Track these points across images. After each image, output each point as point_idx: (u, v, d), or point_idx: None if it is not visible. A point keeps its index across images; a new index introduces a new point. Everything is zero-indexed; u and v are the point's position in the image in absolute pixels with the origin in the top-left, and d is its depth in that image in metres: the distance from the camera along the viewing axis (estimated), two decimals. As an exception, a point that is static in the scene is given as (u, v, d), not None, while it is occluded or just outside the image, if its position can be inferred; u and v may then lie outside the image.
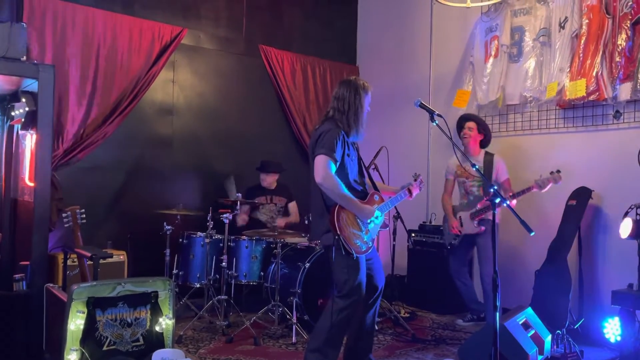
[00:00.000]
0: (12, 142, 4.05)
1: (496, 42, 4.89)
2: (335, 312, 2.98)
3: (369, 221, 3.07)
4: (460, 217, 4.42)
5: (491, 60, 4.94)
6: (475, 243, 4.42)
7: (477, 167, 2.88)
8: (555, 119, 4.54)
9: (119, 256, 4.27)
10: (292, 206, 5.27)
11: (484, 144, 4.49)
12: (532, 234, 2.61)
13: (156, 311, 2.85)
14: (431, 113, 3.01)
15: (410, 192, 3.34)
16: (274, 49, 5.82)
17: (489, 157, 4.39)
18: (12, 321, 3.18)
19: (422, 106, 3.05)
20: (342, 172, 3.04)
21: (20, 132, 3.87)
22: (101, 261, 4.03)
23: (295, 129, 5.96)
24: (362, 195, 3.14)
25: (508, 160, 4.48)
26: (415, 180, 3.43)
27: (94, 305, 2.67)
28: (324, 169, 2.91)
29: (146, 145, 5.04)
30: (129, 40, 4.84)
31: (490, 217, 4.24)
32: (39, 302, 3.08)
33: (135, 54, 4.87)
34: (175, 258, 4.49)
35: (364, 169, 3.27)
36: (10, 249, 3.91)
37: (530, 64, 4.62)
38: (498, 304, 2.61)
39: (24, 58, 3.45)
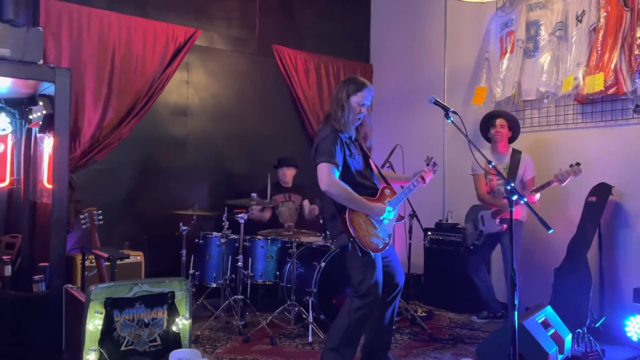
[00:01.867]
0: (30, 145, 4.10)
1: (512, 37, 4.83)
2: (352, 311, 2.96)
3: (381, 218, 3.05)
4: (482, 215, 4.37)
5: (507, 55, 4.88)
6: (498, 242, 4.37)
7: (493, 164, 2.84)
8: (573, 114, 4.47)
9: (136, 257, 4.30)
10: (307, 202, 5.27)
11: (511, 140, 4.42)
12: (551, 231, 2.57)
13: (173, 311, 2.87)
14: (446, 110, 2.98)
15: (423, 178, 3.22)
16: (287, 48, 5.82)
17: (517, 155, 4.31)
18: (32, 321, 3.22)
19: (436, 103, 3.01)
20: (346, 172, 3.03)
21: (38, 135, 3.91)
22: (118, 262, 4.09)
23: (310, 129, 5.95)
24: (372, 192, 3.11)
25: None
26: (428, 164, 3.29)
27: (112, 305, 2.69)
28: (327, 176, 2.92)
29: (161, 146, 5.07)
30: (143, 43, 4.87)
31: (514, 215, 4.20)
32: (58, 302, 3.12)
33: (149, 56, 4.90)
34: (192, 258, 4.51)
35: (371, 164, 3.24)
36: (29, 251, 3.96)
37: (547, 58, 4.56)
38: (516, 302, 2.58)
39: (41, 62, 3.50)
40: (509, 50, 4.86)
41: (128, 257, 3.06)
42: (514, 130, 4.40)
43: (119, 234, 4.69)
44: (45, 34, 4.32)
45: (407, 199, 3.28)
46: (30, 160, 4.03)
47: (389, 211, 3.06)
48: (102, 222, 3.53)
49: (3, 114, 4.14)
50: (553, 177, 3.94)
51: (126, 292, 2.75)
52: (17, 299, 3.19)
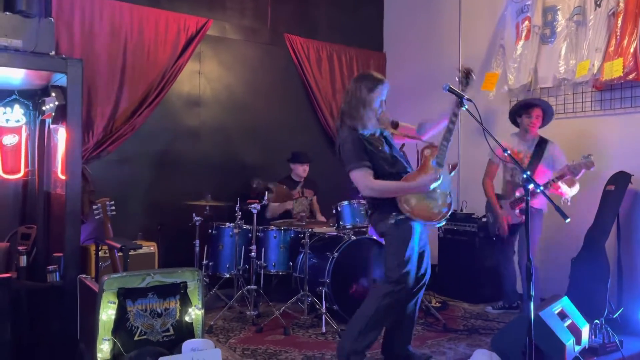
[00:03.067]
0: (44, 137, 4.12)
1: (527, 23, 4.73)
2: (382, 297, 2.95)
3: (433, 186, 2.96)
4: (501, 205, 4.30)
5: (522, 42, 4.79)
6: (517, 232, 4.29)
7: (508, 152, 2.79)
8: (592, 101, 4.38)
9: (150, 247, 4.32)
10: (315, 202, 5.25)
11: (540, 126, 4.26)
12: (568, 220, 2.52)
13: (185, 301, 2.86)
14: (460, 97, 2.93)
15: (462, 104, 2.95)
16: (299, 37, 5.77)
17: (543, 144, 4.14)
18: (47, 312, 3.25)
19: (451, 90, 2.96)
20: (376, 168, 2.99)
21: (52, 126, 3.93)
22: (132, 252, 4.09)
23: (322, 118, 5.91)
24: (406, 174, 3.04)
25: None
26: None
27: (124, 295, 2.69)
28: (362, 181, 2.94)
29: (174, 137, 5.07)
30: (155, 33, 4.86)
31: (532, 204, 4.10)
32: (73, 293, 3.13)
33: (161, 46, 4.89)
34: (205, 249, 4.52)
35: (393, 147, 3.15)
36: (44, 241, 3.99)
37: (564, 44, 4.46)
38: (532, 293, 2.54)
39: (53, 53, 3.50)
40: (524, 37, 4.76)
41: (140, 248, 3.07)
42: (546, 120, 4.26)
43: (133, 224, 4.71)
44: (57, 24, 4.32)
45: None
46: (44, 152, 4.05)
47: (436, 170, 2.96)
48: (114, 212, 3.54)
49: (17, 106, 4.17)
50: (565, 168, 3.84)
51: (139, 282, 2.76)
52: (33, 290, 3.21)
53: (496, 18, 5.15)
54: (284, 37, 5.69)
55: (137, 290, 2.74)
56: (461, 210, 5.17)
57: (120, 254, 3.43)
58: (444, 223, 3.14)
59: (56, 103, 3.55)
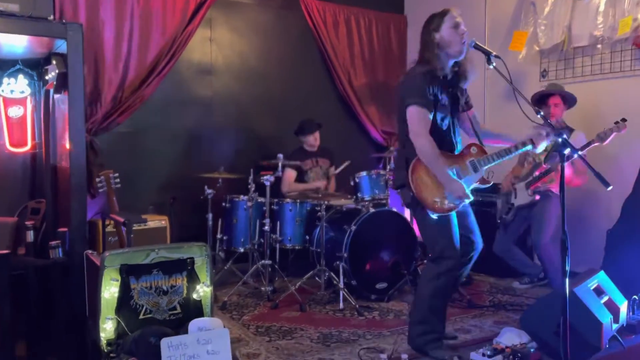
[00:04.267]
0: (49, 108, 3.97)
1: (561, -23, 4.36)
2: (433, 279, 2.74)
3: (454, 174, 2.72)
4: (515, 187, 4.06)
5: (555, -2, 4.42)
6: (527, 218, 4.06)
7: (541, 113, 2.52)
8: (631, 60, 4.03)
9: (161, 221, 4.16)
10: (332, 172, 5.02)
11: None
12: (610, 188, 2.28)
13: (193, 278, 2.71)
14: (488, 54, 2.66)
15: (533, 142, 2.72)
16: (315, 0, 5.47)
17: (567, 133, 3.86)
18: (51, 289, 3.13)
19: (477, 47, 2.70)
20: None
21: (56, 96, 3.76)
22: (143, 226, 4.00)
23: (340, 86, 5.64)
24: (451, 148, 2.80)
25: (576, 111, 4.01)
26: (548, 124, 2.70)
27: (127, 272, 2.55)
28: (417, 124, 2.66)
29: (185, 107, 4.88)
30: (163, -2, 4.64)
31: (549, 188, 3.89)
32: (80, 269, 3.00)
33: (170, 12, 4.66)
34: (219, 222, 4.36)
35: (464, 114, 2.87)
36: (53, 216, 3.87)
37: (602, -1, 4.09)
38: (567, 268, 2.31)
39: (52, 17, 3.31)
40: (558, -7, 4.40)
41: (145, 222, 2.92)
42: (570, 104, 4.00)
43: (144, 198, 4.56)
44: (60, -9, 4.16)
45: None
46: (49, 123, 3.90)
47: (466, 198, 2.70)
48: (119, 185, 3.38)
49: (21, 76, 4.01)
50: (595, 136, 3.57)
51: (142, 258, 2.60)
52: (39, 266, 3.10)
53: (526, -27, 4.78)
54: (298, 1, 5.39)
55: (141, 267, 2.59)
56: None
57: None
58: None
59: (57, 71, 3.38)
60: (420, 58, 2.78)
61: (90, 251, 3.02)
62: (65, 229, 3.18)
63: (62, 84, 3.42)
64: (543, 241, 3.93)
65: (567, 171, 3.61)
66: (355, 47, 5.70)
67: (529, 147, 2.71)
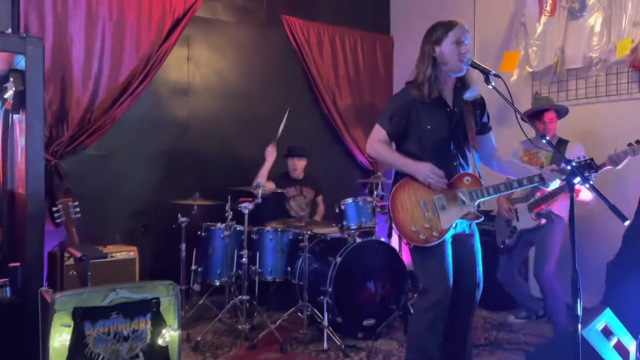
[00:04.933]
0: (8, 129, 3.66)
1: (553, -4, 4.21)
2: (420, 315, 2.48)
3: (439, 202, 2.45)
4: (516, 209, 3.79)
5: (547, 18, 4.27)
6: (532, 242, 3.80)
7: (546, 138, 2.29)
8: (628, 82, 3.87)
9: (129, 252, 3.83)
10: (320, 200, 4.76)
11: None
12: (627, 222, 2.04)
13: (158, 321, 2.41)
14: (486, 73, 2.42)
15: (543, 179, 2.43)
16: (299, 19, 5.27)
17: (562, 145, 3.66)
18: (3, 333, 2.79)
19: (474, 65, 2.47)
20: (407, 143, 2.55)
21: (15, 116, 3.46)
22: (109, 259, 3.67)
23: (324, 107, 5.42)
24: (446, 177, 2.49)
25: (568, 135, 3.81)
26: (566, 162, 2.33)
27: (82, 316, 2.25)
28: (370, 137, 2.60)
29: (160, 129, 4.59)
30: (138, 14, 4.38)
31: (551, 209, 3.63)
32: (33, 309, 2.66)
33: (144, 29, 4.41)
34: (194, 253, 4.05)
35: (467, 139, 2.57)
36: (10, 248, 3.53)
37: (597, 19, 3.95)
38: (579, 312, 2.05)
39: (9, 30, 3.03)
40: (549, 12, 4.25)
41: (105, 257, 2.61)
42: (562, 115, 3.79)
43: (113, 226, 4.24)
44: (26, 4, 3.88)
45: None
46: (7, 146, 3.58)
47: (438, 171, 2.44)
48: (79, 215, 3.07)
49: (-22, 95, 3.71)
50: (606, 159, 3.34)
51: (100, 299, 2.30)
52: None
53: (516, -7, 4.63)
54: (281, 19, 5.19)
55: (98, 310, 2.28)
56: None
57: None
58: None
59: (14, 89, 3.09)
60: (416, 70, 2.55)
61: (45, 288, 2.69)
62: (17, 264, 2.85)
63: (20, 103, 3.13)
64: (546, 272, 3.63)
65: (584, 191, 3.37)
66: (340, 67, 5.50)
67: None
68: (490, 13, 4.89)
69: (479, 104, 2.64)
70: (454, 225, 2.46)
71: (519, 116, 2.38)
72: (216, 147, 4.85)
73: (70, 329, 2.21)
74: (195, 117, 4.77)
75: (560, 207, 3.61)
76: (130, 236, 4.17)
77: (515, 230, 3.82)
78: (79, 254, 2.44)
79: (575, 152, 3.58)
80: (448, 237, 2.47)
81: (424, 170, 2.44)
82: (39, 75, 3.04)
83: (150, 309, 2.39)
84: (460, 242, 2.55)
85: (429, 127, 2.50)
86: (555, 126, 3.76)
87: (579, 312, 2.04)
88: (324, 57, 5.41)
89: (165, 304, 2.44)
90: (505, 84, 2.41)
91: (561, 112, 3.76)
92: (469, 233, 2.58)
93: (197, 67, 4.81)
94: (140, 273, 3.88)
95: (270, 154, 4.47)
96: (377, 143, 2.55)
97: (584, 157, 3.14)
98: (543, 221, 3.64)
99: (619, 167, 3.30)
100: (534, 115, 3.76)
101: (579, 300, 2.04)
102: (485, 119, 2.67)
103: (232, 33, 4.97)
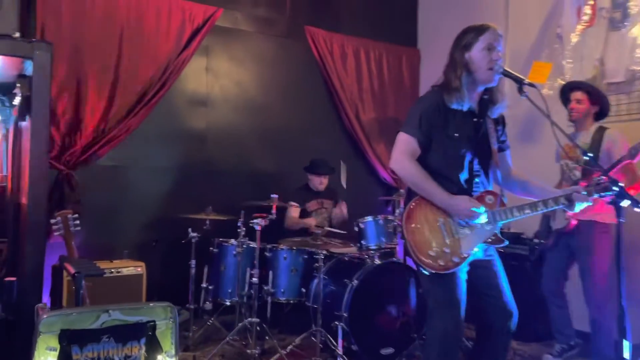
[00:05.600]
0: (19, 137, 3.56)
1: (592, 6, 3.95)
2: (430, 346, 2.28)
3: (462, 222, 2.22)
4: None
5: (585, 28, 4.00)
6: (572, 252, 3.44)
7: (589, 156, 2.04)
8: (676, 98, 3.56)
9: (137, 268, 3.67)
10: (341, 205, 4.55)
11: (599, 116, 3.40)
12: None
13: (154, 347, 2.22)
14: (519, 82, 2.20)
15: (570, 200, 2.19)
16: (322, 30, 5.11)
17: (600, 132, 3.30)
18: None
19: (506, 74, 2.24)
20: (430, 154, 2.29)
21: (22, 124, 3.36)
22: (115, 274, 3.51)
23: (347, 121, 5.22)
24: (460, 191, 2.27)
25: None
26: (588, 184, 2.21)
27: (70, 340, 2.07)
28: (397, 149, 2.30)
29: (176, 140, 4.46)
30: (157, 22, 4.29)
31: (593, 217, 3.27)
32: (29, 327, 2.50)
33: (163, 38, 4.30)
34: (205, 269, 3.87)
35: (492, 154, 2.34)
36: (13, 260, 3.40)
37: (640, 29, 3.66)
38: (626, 355, 1.78)
39: (17, 34, 2.92)
40: (588, 22, 3.98)
41: (102, 274, 2.44)
42: (600, 104, 3.38)
43: (122, 240, 4.08)
44: (42, 8, 3.82)
45: None
46: (16, 154, 3.48)
47: (477, 212, 2.18)
48: (79, 228, 2.91)
49: (-11, 102, 3.63)
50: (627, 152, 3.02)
51: (91, 321, 2.12)
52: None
53: (550, 3, 4.38)
54: (304, 30, 5.03)
55: (88, 333, 2.10)
56: (509, 229, 4.37)
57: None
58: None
59: (21, 95, 2.98)
60: (444, 77, 2.33)
61: (42, 305, 2.54)
62: (12, 279, 2.70)
63: (27, 109, 3.02)
64: (591, 297, 3.30)
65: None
66: (364, 80, 5.31)
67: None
68: (524, 23, 4.64)
69: (500, 120, 2.43)
70: (475, 249, 2.21)
71: (555, 129, 2.13)
72: (233, 161, 4.69)
73: (56, 353, 2.03)
74: (212, 129, 4.62)
75: (603, 210, 3.06)
76: (139, 251, 4.01)
77: (551, 230, 3.49)
78: (72, 270, 2.28)
79: (611, 139, 3.23)
80: (465, 263, 2.22)
81: (462, 207, 2.18)
82: (45, 81, 2.93)
83: (145, 332, 2.20)
84: (480, 268, 2.30)
85: (455, 135, 2.27)
86: (585, 110, 3.36)
87: (628, 356, 1.77)
88: (348, 69, 5.22)
89: (162, 327, 2.25)
90: (540, 94, 2.18)
91: (593, 95, 3.37)
92: (486, 258, 2.32)
93: (216, 78, 4.67)
94: (147, 290, 3.71)
95: (309, 222, 4.32)
96: (407, 159, 2.26)
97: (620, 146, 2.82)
98: (573, 222, 3.30)
99: (635, 161, 2.98)
100: (562, 95, 3.47)
101: (626, 341, 1.77)
102: (504, 137, 2.44)
103: (253, 43, 4.84)
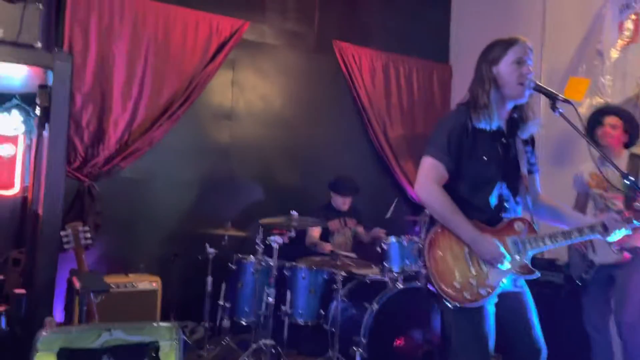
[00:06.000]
0: (41, 147, 3.57)
1: (634, 20, 3.73)
2: None
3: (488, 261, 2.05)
4: (592, 241, 3.25)
5: (627, 45, 3.78)
6: (614, 279, 3.22)
7: (627, 175, 1.85)
8: None
9: (152, 283, 3.59)
10: (361, 231, 4.41)
11: (627, 144, 3.26)
12: None
13: (156, 369, 2.11)
14: (553, 98, 2.03)
15: (606, 228, 2.04)
16: (350, 44, 5.01)
17: (635, 161, 3.15)
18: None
19: (538, 89, 2.07)
20: (457, 179, 2.11)
21: (44, 133, 3.35)
22: (129, 289, 3.45)
23: (374, 138, 5.08)
24: (489, 217, 2.10)
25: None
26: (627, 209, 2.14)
27: (68, 359, 1.97)
28: (424, 175, 2.11)
29: (199, 154, 4.40)
30: (183, 35, 4.27)
31: (635, 243, 3.06)
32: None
33: (189, 51, 4.28)
34: (223, 286, 3.77)
35: (516, 180, 2.17)
36: (30, 270, 3.38)
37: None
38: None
39: (39, 45, 2.93)
40: (631, 38, 3.76)
41: (107, 290, 2.36)
42: (632, 132, 3.24)
43: (140, 253, 4.03)
44: (71, 22, 3.84)
45: None
46: (38, 165, 3.49)
47: (501, 259, 2.01)
48: (90, 241, 2.85)
49: (15, 111, 3.67)
50: None
51: (91, 340, 2.04)
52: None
53: (589, 18, 4.17)
54: (332, 44, 4.94)
55: (87, 353, 2.02)
56: (542, 255, 4.13)
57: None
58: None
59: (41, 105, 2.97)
60: (469, 93, 2.17)
61: (49, 319, 2.48)
62: (22, 291, 2.66)
63: (46, 119, 3.01)
64: (626, 319, 3.09)
65: None
66: (392, 96, 5.18)
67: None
68: (561, 39, 4.44)
69: (530, 140, 2.25)
70: (504, 281, 2.03)
71: (591, 148, 1.95)
72: (255, 175, 4.61)
73: (53, 373, 1.95)
74: (236, 143, 4.56)
75: None
76: (156, 265, 3.93)
77: (593, 265, 3.26)
78: (77, 285, 2.21)
79: None
80: (494, 295, 2.04)
81: (487, 251, 2.01)
82: (65, 91, 2.94)
83: (147, 354, 2.11)
84: (508, 301, 2.11)
85: (484, 158, 2.09)
86: (620, 137, 3.21)
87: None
88: (376, 84, 5.10)
89: (166, 348, 2.15)
90: (577, 111, 2.01)
91: (627, 122, 3.21)
92: (516, 290, 2.13)
93: (242, 92, 4.62)
94: (162, 306, 3.63)
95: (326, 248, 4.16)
96: (434, 186, 2.06)
97: None
98: (627, 256, 3.07)
99: None
100: (595, 118, 3.26)
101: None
102: (533, 158, 2.26)
103: (280, 57, 4.78)
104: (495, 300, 2.07)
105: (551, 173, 4.37)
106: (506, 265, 2.02)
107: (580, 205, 3.46)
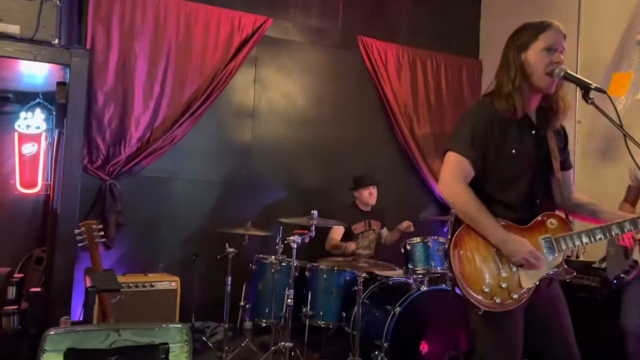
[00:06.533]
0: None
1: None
2: None
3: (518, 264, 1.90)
4: (638, 240, 3.05)
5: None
6: None
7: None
8: None
9: (171, 283, 3.55)
10: (385, 232, 4.28)
11: None
12: None
13: (166, 371, 2.04)
14: (585, 88, 1.88)
15: (637, 224, 1.88)
16: (376, 40, 4.89)
17: None
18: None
19: (568, 77, 1.92)
20: (485, 175, 1.96)
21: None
22: (148, 288, 3.41)
23: (400, 136, 4.94)
24: (520, 217, 1.95)
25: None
26: None
27: (75, 359, 1.92)
28: (449, 172, 1.95)
29: (220, 153, 4.36)
30: (205, 33, 4.23)
31: None
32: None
33: (211, 48, 4.24)
34: (244, 286, 3.70)
35: (554, 170, 1.99)
36: (50, 269, 3.38)
37: None
38: None
39: (56, 41, 2.91)
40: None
41: (118, 290, 2.31)
42: None
43: (160, 253, 4.01)
44: (93, 20, 3.85)
45: None
46: (58, 163, 3.49)
47: (537, 263, 1.86)
48: (104, 239, 2.82)
49: (38, 110, 3.69)
50: None
51: (100, 341, 1.99)
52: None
53: (630, 8, 3.95)
54: (357, 40, 4.83)
55: (95, 353, 1.97)
56: (577, 257, 3.92)
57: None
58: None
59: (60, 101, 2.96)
60: (495, 80, 2.02)
61: (65, 318, 2.45)
62: (38, 289, 2.64)
63: (63, 116, 3.00)
64: (629, 327, 2.92)
65: None
66: (420, 92, 5.03)
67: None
68: (597, 30, 4.22)
69: (562, 134, 2.08)
70: (536, 283, 1.88)
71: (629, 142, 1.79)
72: (277, 174, 4.54)
73: (59, 374, 1.91)
74: (258, 141, 4.49)
75: None
76: (175, 265, 3.90)
77: (636, 265, 3.05)
78: (88, 284, 2.17)
79: None
80: (526, 300, 1.89)
81: (523, 251, 1.85)
82: (81, 89, 2.91)
83: (156, 355, 2.04)
84: (541, 304, 1.95)
85: (513, 151, 1.94)
86: None
87: None
88: (402, 81, 4.97)
89: (176, 350, 2.08)
90: (612, 102, 1.85)
91: None
92: (549, 294, 1.97)
93: (264, 90, 4.56)
94: (181, 306, 3.58)
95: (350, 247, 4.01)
96: (460, 184, 1.92)
97: None
98: None
99: None
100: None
101: None
102: (565, 153, 2.09)
103: (303, 54, 4.69)
104: (526, 304, 1.93)
105: (590, 170, 4.17)
106: (544, 270, 1.88)
107: (629, 198, 3.22)
